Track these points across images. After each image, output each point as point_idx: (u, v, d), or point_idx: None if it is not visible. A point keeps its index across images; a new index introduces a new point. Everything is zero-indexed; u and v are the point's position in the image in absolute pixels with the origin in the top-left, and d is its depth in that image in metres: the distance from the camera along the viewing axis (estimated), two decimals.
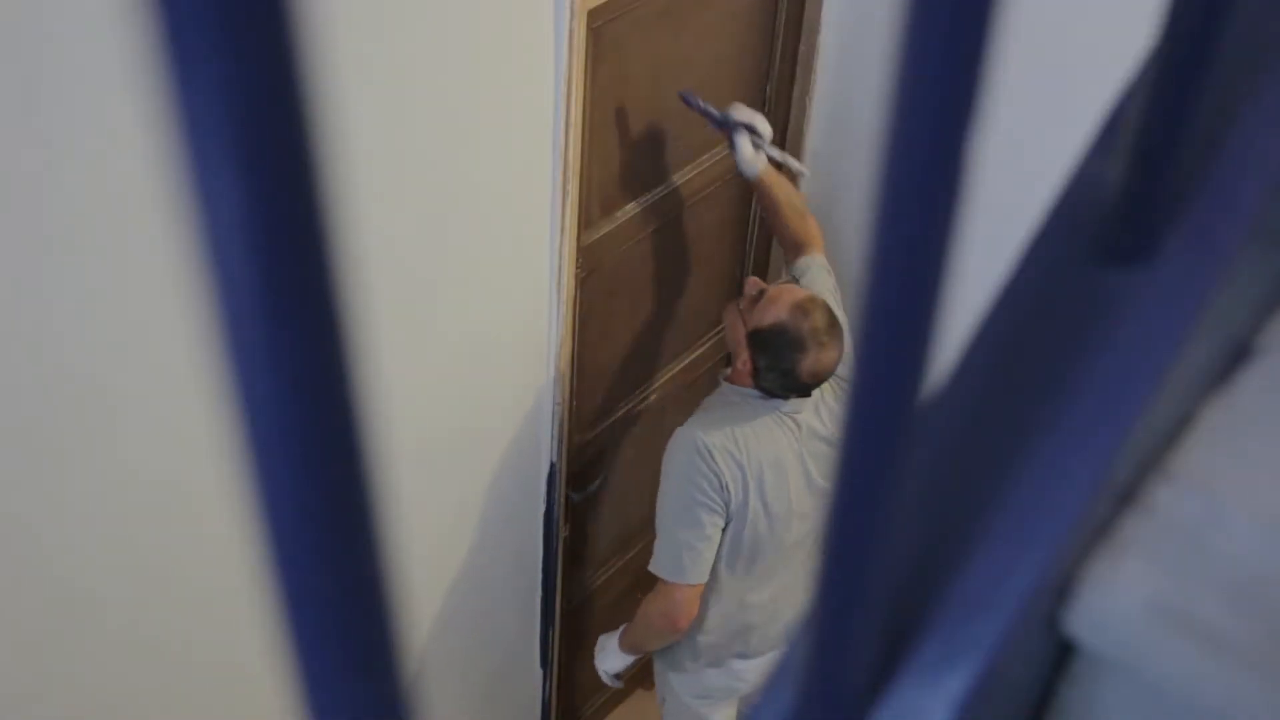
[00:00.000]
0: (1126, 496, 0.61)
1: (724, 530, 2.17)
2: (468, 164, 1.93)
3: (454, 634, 2.46)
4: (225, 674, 1.95)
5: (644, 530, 2.89)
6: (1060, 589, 0.58)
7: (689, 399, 2.34)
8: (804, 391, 2.15)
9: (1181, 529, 0.60)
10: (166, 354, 1.55)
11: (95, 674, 1.76)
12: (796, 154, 2.72)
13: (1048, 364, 0.58)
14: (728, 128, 2.28)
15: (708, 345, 2.83)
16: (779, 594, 2.32)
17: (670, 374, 2.75)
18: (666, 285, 2.60)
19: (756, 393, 2.16)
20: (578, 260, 2.23)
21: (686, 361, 2.79)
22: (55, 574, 1.63)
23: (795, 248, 2.37)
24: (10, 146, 1.33)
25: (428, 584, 2.34)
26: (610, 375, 2.57)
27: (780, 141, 2.67)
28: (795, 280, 2.29)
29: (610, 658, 2.46)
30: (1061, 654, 0.63)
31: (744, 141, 2.27)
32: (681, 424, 2.23)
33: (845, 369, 2.22)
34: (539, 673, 2.80)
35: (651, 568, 2.22)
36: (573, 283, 2.25)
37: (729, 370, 2.24)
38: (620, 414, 2.65)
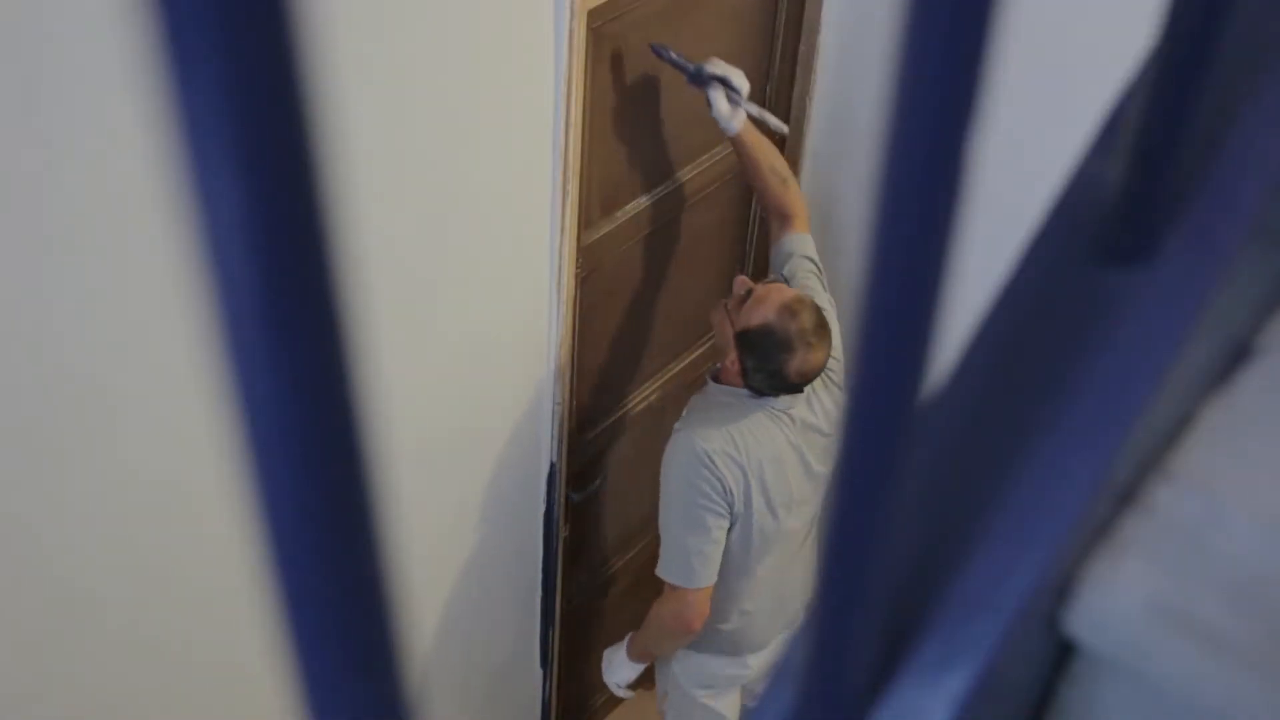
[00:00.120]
0: (1126, 496, 0.61)
1: (729, 530, 2.18)
2: (468, 164, 1.93)
3: (454, 634, 2.46)
4: (225, 674, 1.95)
5: (644, 530, 2.89)
6: (1060, 589, 0.58)
7: (689, 399, 2.34)
8: (793, 390, 2.15)
9: (1181, 529, 0.60)
10: (166, 354, 1.55)
11: (95, 674, 1.76)
12: (796, 154, 2.72)
13: (1048, 364, 0.58)
14: (701, 83, 2.21)
15: (708, 345, 2.83)
16: (782, 580, 2.33)
17: (670, 373, 2.75)
18: (666, 285, 2.60)
19: (746, 392, 2.16)
20: (578, 260, 2.23)
21: (687, 361, 2.78)
22: (55, 574, 1.63)
23: (778, 217, 2.34)
24: (10, 146, 1.33)
25: (428, 584, 2.34)
26: (610, 375, 2.57)
27: (780, 142, 2.66)
28: (783, 278, 2.29)
29: (620, 670, 2.46)
30: (1061, 654, 0.63)
31: (718, 96, 2.20)
32: (675, 426, 2.23)
33: (834, 357, 2.22)
34: (539, 673, 2.80)
35: (661, 573, 2.22)
36: (573, 283, 2.25)
37: (717, 368, 2.24)
38: (620, 414, 2.65)
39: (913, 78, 0.33)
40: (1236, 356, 0.67)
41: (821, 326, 2.11)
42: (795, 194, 2.34)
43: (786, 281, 2.29)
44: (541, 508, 2.51)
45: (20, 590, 1.59)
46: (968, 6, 0.33)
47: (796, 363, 2.09)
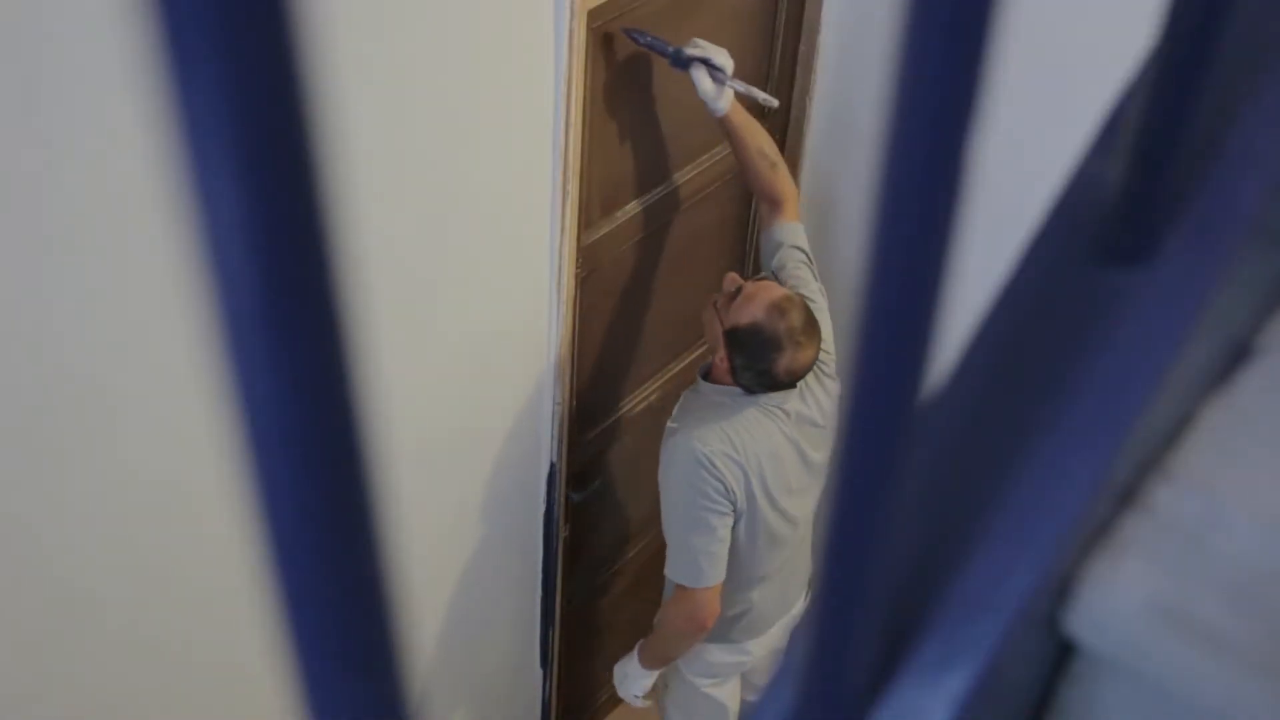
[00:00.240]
0: (1126, 496, 0.61)
1: (733, 527, 2.19)
2: (468, 164, 1.93)
3: (454, 634, 2.46)
4: (225, 674, 1.95)
5: (644, 530, 2.89)
6: (1060, 589, 0.58)
7: (681, 396, 2.34)
8: (782, 388, 2.15)
9: (1181, 529, 0.60)
10: (166, 354, 1.55)
11: (95, 674, 1.76)
12: (796, 154, 2.72)
13: (1048, 364, 0.58)
14: (681, 65, 2.17)
15: (707, 345, 2.83)
16: (783, 568, 2.35)
17: (670, 374, 2.75)
18: (666, 285, 2.60)
19: (738, 390, 2.17)
20: (578, 260, 2.23)
21: (686, 361, 2.79)
22: (55, 574, 1.63)
23: (767, 201, 2.33)
24: (10, 146, 1.33)
25: (428, 584, 2.34)
26: (610, 375, 2.57)
27: (780, 142, 2.66)
28: (773, 276, 2.29)
29: (636, 680, 2.46)
30: (1061, 654, 0.63)
31: (701, 76, 2.16)
32: (668, 425, 2.23)
33: (825, 350, 2.22)
34: (539, 673, 2.80)
35: (669, 575, 2.23)
36: (573, 283, 2.25)
37: (708, 365, 2.24)
38: (620, 414, 2.65)
39: (913, 78, 0.33)
40: (1236, 356, 0.67)
41: (810, 325, 2.11)
42: (784, 178, 2.31)
43: (775, 274, 2.29)
44: (541, 508, 2.51)
45: (20, 590, 1.59)
46: (968, 6, 0.33)
47: (785, 361, 2.09)
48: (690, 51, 2.16)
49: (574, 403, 2.44)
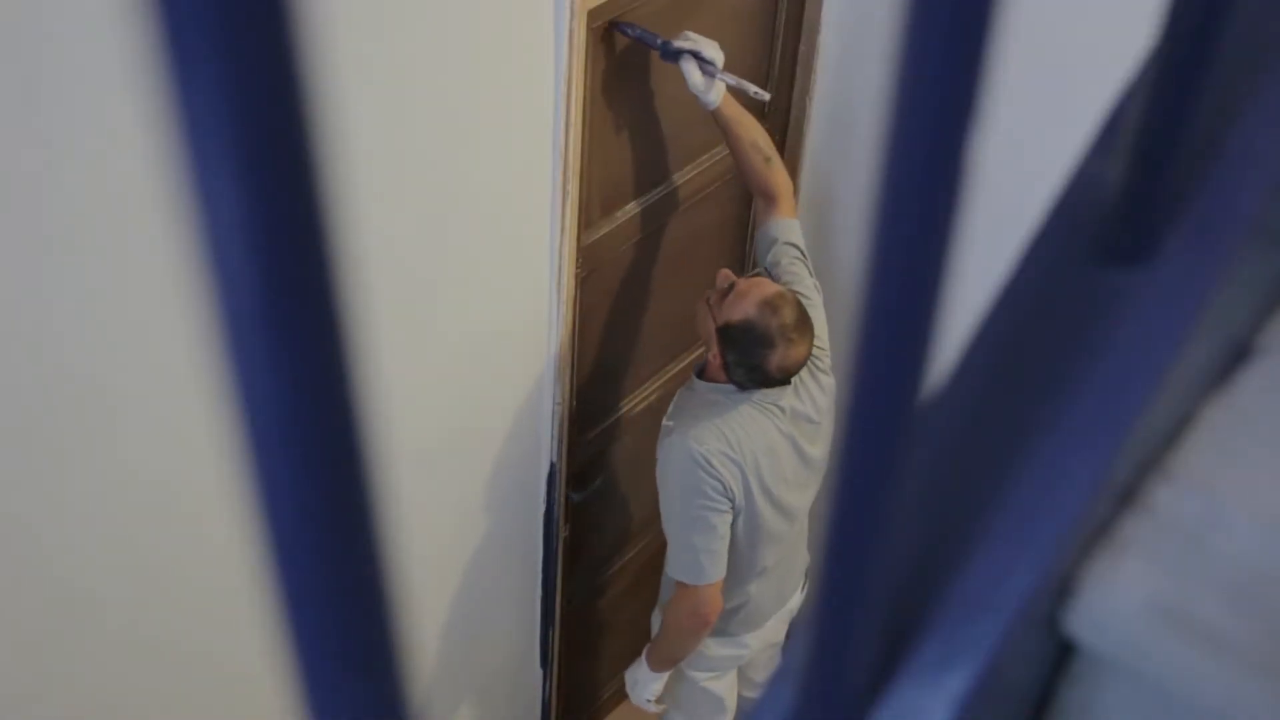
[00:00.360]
0: (1126, 496, 0.61)
1: (733, 523, 2.19)
2: (468, 164, 1.93)
3: (454, 634, 2.46)
4: (225, 674, 1.95)
5: (644, 530, 2.89)
6: (1060, 589, 0.58)
7: (676, 393, 2.34)
8: (775, 385, 2.16)
9: (1181, 529, 0.60)
10: (166, 354, 1.55)
11: (95, 674, 1.76)
12: (796, 154, 2.72)
13: (1048, 364, 0.58)
14: (670, 57, 2.16)
15: (701, 342, 2.83)
16: (779, 562, 2.36)
17: (670, 374, 2.75)
18: (666, 285, 2.60)
19: (732, 386, 2.17)
20: (578, 260, 2.23)
21: (686, 361, 2.79)
22: (55, 574, 1.63)
23: (762, 196, 2.33)
24: (10, 146, 1.33)
25: (428, 584, 2.34)
26: (610, 375, 2.57)
27: (780, 142, 2.66)
28: (767, 272, 2.29)
29: (647, 684, 2.47)
30: (1061, 654, 0.63)
31: (690, 68, 2.15)
32: (664, 423, 2.23)
33: (819, 345, 2.23)
34: (539, 673, 2.80)
35: (671, 574, 2.25)
36: (573, 283, 2.25)
37: (702, 363, 2.24)
38: (620, 414, 2.65)
39: (913, 78, 0.33)
40: (1236, 356, 0.67)
41: (803, 321, 2.11)
42: (778, 173, 2.31)
43: (770, 270, 2.29)
44: (541, 508, 2.51)
45: (20, 590, 1.59)
46: (968, 6, 0.33)
47: (777, 358, 2.10)
48: (679, 44, 2.15)
49: (574, 403, 2.44)
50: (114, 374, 1.57)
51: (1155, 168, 0.58)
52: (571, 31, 1.94)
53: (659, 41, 2.15)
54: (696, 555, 2.17)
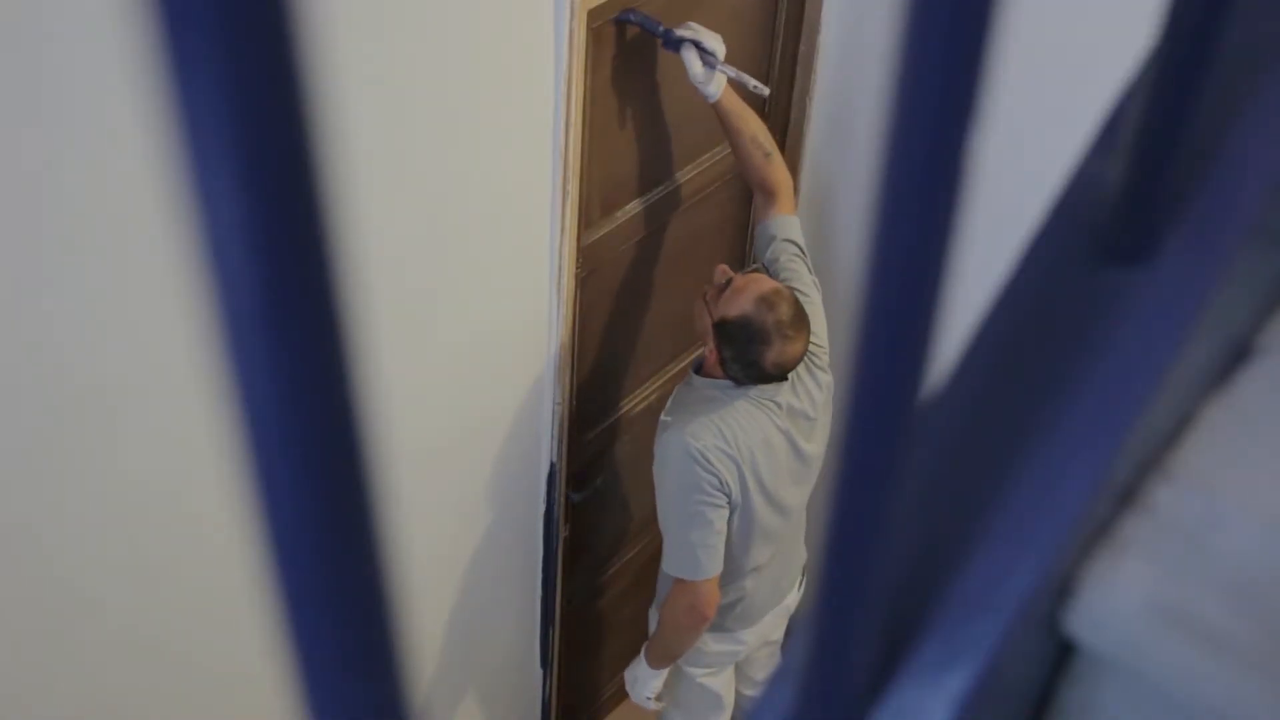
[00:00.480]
0: (1126, 496, 0.61)
1: (729, 519, 2.20)
2: (468, 164, 1.93)
3: (454, 634, 2.46)
4: (225, 674, 1.95)
5: (644, 530, 2.89)
6: (1060, 589, 0.58)
7: (674, 389, 2.34)
8: (771, 380, 2.16)
9: (1181, 529, 0.60)
10: (167, 355, 1.55)
11: (95, 674, 1.76)
12: (796, 154, 2.72)
13: (1048, 364, 0.58)
14: (672, 46, 2.16)
15: (698, 337, 2.83)
16: (776, 558, 2.36)
17: (670, 374, 2.75)
18: (667, 285, 2.60)
19: (729, 382, 2.18)
20: (578, 260, 2.23)
21: (686, 361, 2.79)
22: (55, 574, 1.63)
23: (762, 192, 2.33)
24: (10, 146, 1.33)
25: (428, 584, 2.34)
26: (610, 375, 2.57)
27: (780, 141, 2.66)
28: (766, 269, 2.29)
29: (644, 682, 2.47)
30: (1061, 654, 0.63)
31: (691, 58, 2.15)
32: (661, 418, 2.24)
33: (817, 343, 2.23)
34: (539, 673, 2.80)
35: (667, 569, 2.25)
36: (573, 283, 2.25)
37: (700, 359, 2.25)
38: (620, 414, 2.65)
39: (913, 78, 0.33)
40: (1236, 356, 0.67)
41: (799, 317, 2.12)
42: (778, 168, 2.31)
43: (768, 267, 2.29)
44: (541, 508, 2.51)
45: (20, 591, 1.59)
46: (968, 6, 0.33)
47: (773, 354, 2.10)
48: (681, 33, 2.16)
49: (574, 403, 2.44)
50: (114, 375, 1.57)
51: (1155, 168, 0.58)
52: (571, 31, 1.94)
53: (661, 29, 2.15)
54: (694, 551, 2.17)
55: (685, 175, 2.51)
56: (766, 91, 2.29)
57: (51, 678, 1.70)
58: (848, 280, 2.75)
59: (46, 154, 1.37)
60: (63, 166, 1.38)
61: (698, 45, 2.15)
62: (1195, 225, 0.60)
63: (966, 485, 0.55)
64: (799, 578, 2.54)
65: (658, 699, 2.51)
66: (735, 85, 2.23)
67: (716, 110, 2.25)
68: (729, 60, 2.20)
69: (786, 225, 2.32)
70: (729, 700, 2.59)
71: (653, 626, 2.48)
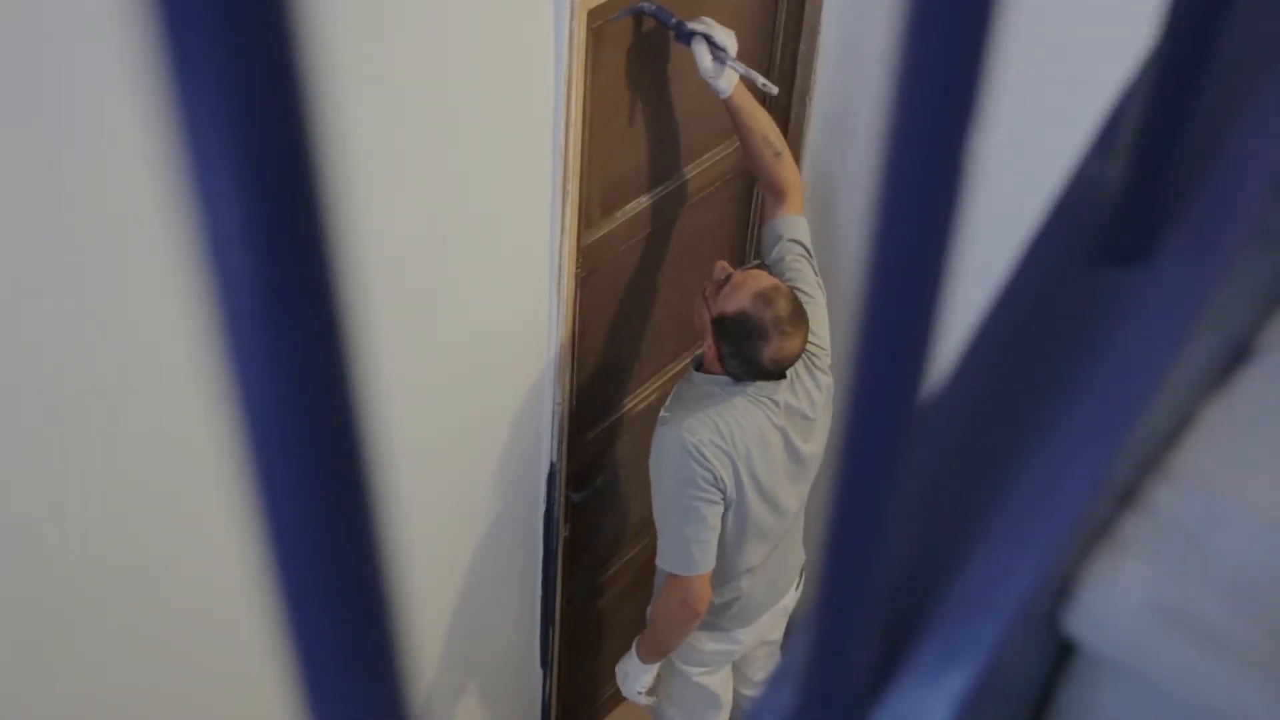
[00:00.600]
0: (1126, 496, 0.61)
1: (724, 515, 2.20)
2: (468, 164, 1.93)
3: (454, 634, 2.46)
4: (225, 675, 1.95)
5: (644, 530, 2.89)
6: (1060, 589, 0.58)
7: (674, 386, 2.34)
8: (769, 377, 2.16)
9: (1181, 529, 0.60)
10: (167, 355, 1.55)
11: (95, 674, 1.76)
12: (796, 154, 2.72)
13: (1048, 364, 0.58)
14: (683, 39, 2.18)
15: (698, 333, 2.83)
16: (772, 557, 2.36)
17: (670, 373, 2.75)
18: (667, 285, 2.60)
19: (727, 378, 2.18)
20: (578, 260, 2.23)
21: (686, 361, 2.79)
22: (55, 574, 1.63)
23: (771, 191, 2.34)
24: (10, 146, 1.33)
25: (428, 584, 2.34)
26: (611, 375, 2.57)
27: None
28: (770, 268, 2.29)
29: (638, 676, 2.47)
30: (1061, 654, 0.63)
31: (701, 51, 2.17)
32: (660, 414, 2.24)
33: (813, 336, 2.23)
34: (539, 673, 2.80)
35: (661, 565, 2.25)
36: (573, 283, 2.25)
37: (700, 355, 2.25)
38: (620, 414, 2.65)
39: (913, 78, 0.33)
40: (1236, 356, 0.67)
41: (797, 314, 2.12)
42: (788, 169, 2.32)
43: (774, 266, 2.30)
44: (541, 508, 2.51)
45: (20, 591, 1.59)
46: (968, 6, 0.33)
47: (771, 350, 2.11)
48: (694, 26, 2.17)
49: (574, 403, 2.44)
50: (114, 375, 1.57)
51: (1155, 168, 0.58)
52: (571, 31, 1.94)
53: (674, 21, 2.17)
54: (687, 546, 2.18)
55: (685, 175, 2.51)
56: (775, 90, 2.30)
57: (51, 678, 1.70)
58: (848, 280, 2.75)
59: (46, 154, 1.37)
60: (63, 166, 1.38)
61: (709, 39, 2.16)
62: (1195, 225, 0.60)
63: (966, 485, 0.55)
64: (796, 578, 2.54)
65: (649, 694, 2.51)
66: (744, 82, 2.24)
67: (728, 107, 2.26)
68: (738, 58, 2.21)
69: (794, 225, 2.32)
70: (727, 699, 2.59)
71: None
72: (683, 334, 2.72)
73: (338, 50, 1.52)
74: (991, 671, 0.50)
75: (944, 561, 0.52)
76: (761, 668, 2.64)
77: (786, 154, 2.31)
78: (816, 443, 2.30)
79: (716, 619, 2.40)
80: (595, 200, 2.27)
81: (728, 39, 2.19)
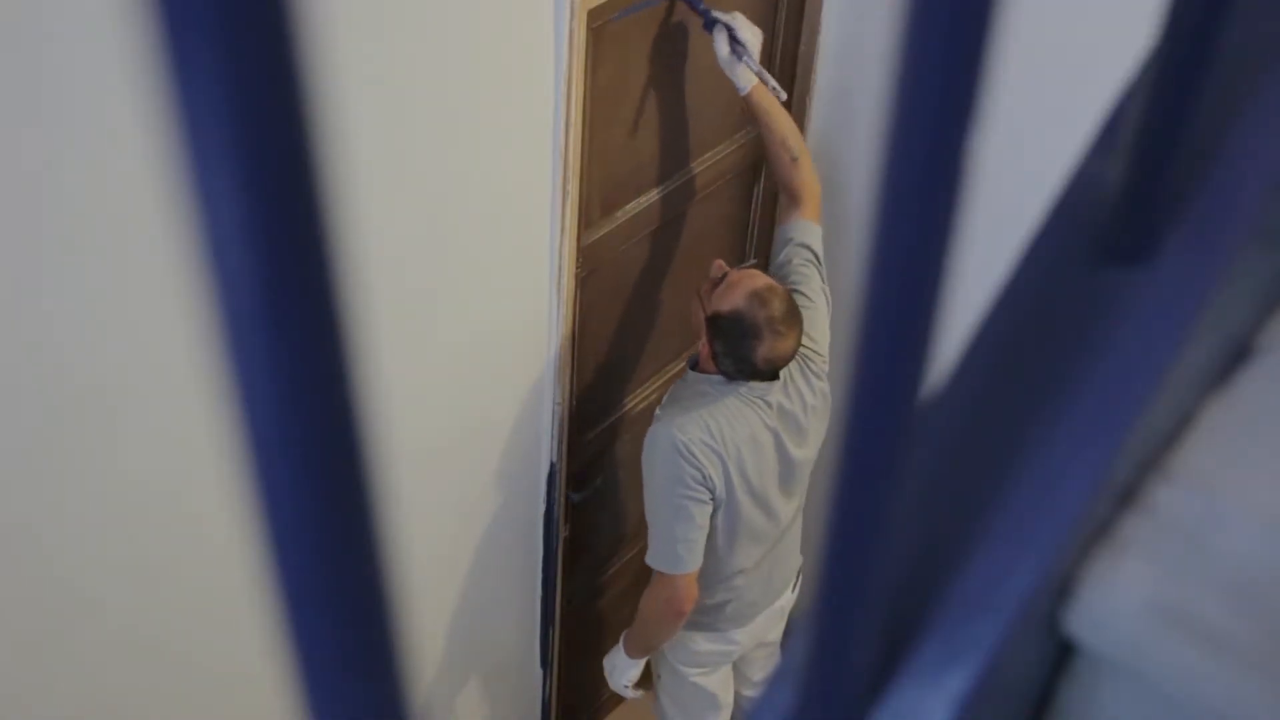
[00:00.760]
0: (1126, 496, 0.61)
1: (714, 515, 2.20)
2: (468, 164, 1.93)
3: (454, 634, 2.46)
4: (225, 675, 1.95)
5: (644, 530, 2.88)
6: (1060, 589, 0.58)
7: (671, 385, 2.34)
8: (762, 377, 2.16)
9: (1181, 529, 0.60)
10: (167, 355, 1.55)
11: (95, 674, 1.76)
12: None
13: (1048, 364, 0.58)
14: (708, 26, 2.21)
15: (693, 332, 2.83)
16: (765, 559, 2.37)
17: (670, 374, 2.75)
18: (667, 284, 2.60)
19: (720, 378, 2.18)
20: (578, 260, 2.23)
21: (686, 360, 2.79)
22: (55, 574, 1.63)
23: (787, 194, 2.35)
24: (10, 146, 1.33)
25: (428, 584, 2.34)
26: (611, 375, 2.58)
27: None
28: (776, 271, 2.30)
29: (624, 670, 2.47)
30: (1061, 654, 0.63)
31: (720, 39, 2.20)
32: (655, 413, 2.24)
33: (810, 341, 2.23)
34: (539, 673, 2.80)
35: (650, 562, 2.26)
36: (573, 283, 2.25)
37: (696, 354, 2.25)
38: (620, 414, 2.65)
39: (913, 78, 0.33)
40: (1236, 356, 0.67)
41: (791, 315, 2.12)
42: (805, 173, 2.32)
43: (780, 269, 2.30)
44: (541, 508, 2.51)
45: (20, 591, 1.59)
46: (968, 6, 0.33)
47: (764, 350, 2.11)
48: (719, 16, 2.19)
49: (574, 403, 2.44)
50: (114, 375, 1.57)
51: (1155, 168, 0.58)
52: (571, 31, 1.94)
53: (702, 7, 2.20)
54: (674, 544, 2.19)
55: (686, 175, 2.51)
56: (784, 95, 2.32)
57: (51, 678, 1.70)
58: (848, 280, 2.75)
59: (46, 154, 1.37)
60: (63, 166, 1.38)
61: (731, 31, 2.18)
62: (1195, 225, 0.60)
63: (966, 485, 0.55)
64: (793, 580, 2.54)
65: (636, 687, 2.51)
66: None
67: (748, 105, 2.27)
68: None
69: (804, 230, 2.32)
70: (726, 700, 2.59)
71: None
72: (683, 334, 2.72)
73: (338, 50, 1.52)
74: (991, 671, 0.50)
75: (944, 561, 0.52)
76: (761, 668, 2.64)
77: (805, 160, 2.32)
78: (809, 448, 2.30)
79: (711, 619, 2.40)
80: (595, 200, 2.27)
81: (750, 35, 2.21)
